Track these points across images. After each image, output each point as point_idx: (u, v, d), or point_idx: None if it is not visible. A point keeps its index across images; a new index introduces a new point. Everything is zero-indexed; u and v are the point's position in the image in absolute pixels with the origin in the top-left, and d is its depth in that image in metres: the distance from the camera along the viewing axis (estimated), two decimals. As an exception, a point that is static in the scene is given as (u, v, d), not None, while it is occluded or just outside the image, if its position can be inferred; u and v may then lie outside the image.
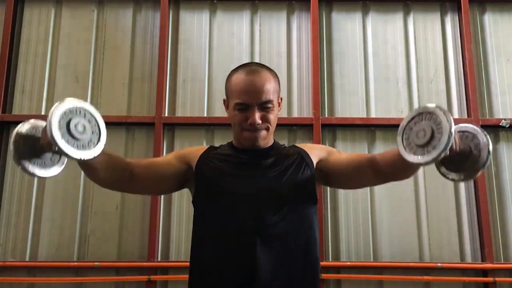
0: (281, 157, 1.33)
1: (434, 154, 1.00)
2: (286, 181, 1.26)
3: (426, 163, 1.03)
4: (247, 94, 1.25)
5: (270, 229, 1.20)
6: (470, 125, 1.16)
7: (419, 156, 1.03)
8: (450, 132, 0.98)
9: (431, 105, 1.04)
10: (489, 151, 1.09)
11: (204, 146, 1.41)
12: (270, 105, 1.27)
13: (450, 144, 0.98)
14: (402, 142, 1.10)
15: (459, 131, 1.15)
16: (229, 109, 1.33)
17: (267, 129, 1.29)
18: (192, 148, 1.41)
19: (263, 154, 1.34)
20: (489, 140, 1.11)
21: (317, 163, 1.34)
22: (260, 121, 1.26)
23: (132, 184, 1.30)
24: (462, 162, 1.13)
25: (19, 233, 2.89)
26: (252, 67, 1.32)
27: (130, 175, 1.26)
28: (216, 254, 1.22)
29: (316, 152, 1.37)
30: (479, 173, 1.12)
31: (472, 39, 3.18)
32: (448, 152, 1.00)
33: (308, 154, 1.34)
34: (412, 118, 1.09)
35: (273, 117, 1.29)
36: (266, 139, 1.32)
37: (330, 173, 1.34)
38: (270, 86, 1.28)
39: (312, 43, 3.14)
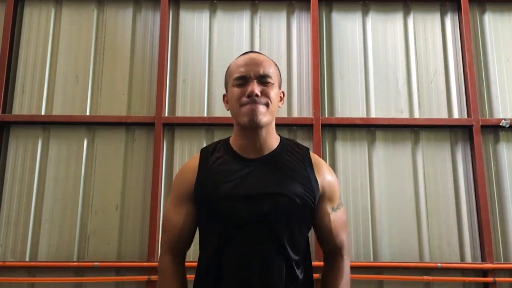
0: (284, 168, 1.26)
1: None
2: (287, 201, 1.21)
3: None
4: (246, 66, 1.24)
5: (271, 248, 1.19)
6: None
7: None
8: None
9: None
10: None
11: (195, 160, 1.32)
12: (269, 80, 1.24)
13: None
14: None
15: None
16: (228, 99, 1.29)
17: (267, 105, 1.22)
18: (184, 173, 1.32)
19: (265, 162, 1.27)
20: None
21: (320, 193, 1.30)
22: (259, 92, 1.20)
23: (186, 253, 1.39)
24: None
25: (19, 233, 2.89)
26: (251, 51, 1.33)
27: (184, 255, 1.36)
28: (222, 273, 1.22)
29: (325, 182, 1.31)
30: None
31: (472, 39, 3.18)
32: None
33: (317, 180, 1.28)
34: None
35: (273, 94, 1.24)
36: (266, 117, 1.22)
37: (315, 213, 1.31)
38: (269, 64, 1.27)
39: (312, 43, 3.14)
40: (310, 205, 1.25)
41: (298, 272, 1.23)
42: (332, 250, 1.35)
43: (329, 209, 1.31)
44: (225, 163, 1.27)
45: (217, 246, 1.22)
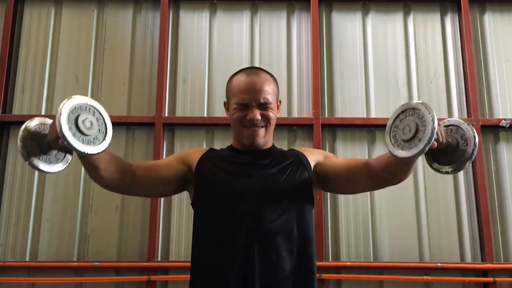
0: (279, 158, 1.37)
1: (420, 146, 1.05)
2: (284, 181, 1.29)
3: (414, 156, 1.07)
4: (247, 93, 1.31)
5: (269, 228, 1.22)
6: (455, 119, 1.23)
7: (407, 151, 1.08)
8: (434, 124, 1.03)
9: (414, 101, 1.10)
10: (475, 143, 1.15)
11: (204, 148, 1.44)
12: (269, 106, 1.33)
13: (434, 136, 1.03)
14: (390, 140, 1.14)
15: (444, 126, 1.21)
16: (229, 110, 1.37)
17: (266, 127, 1.34)
18: (193, 149, 1.44)
19: (262, 154, 1.37)
20: (475, 131, 1.17)
21: (315, 166, 1.37)
22: (259, 117, 1.30)
23: (133, 187, 1.32)
24: (451, 155, 1.19)
25: (19, 233, 2.89)
26: (252, 69, 1.40)
27: (132, 177, 1.28)
28: (216, 253, 1.23)
29: (314, 156, 1.41)
30: (468, 164, 1.18)
31: (472, 39, 3.18)
32: (435, 144, 1.06)
33: (306, 156, 1.38)
34: (397, 116, 1.14)
35: (272, 115, 1.34)
36: (265, 137, 1.35)
37: (327, 176, 1.37)
38: (269, 88, 1.34)
39: (312, 43, 3.14)
40: (307, 175, 1.33)
41: (295, 246, 1.25)
42: (365, 167, 1.31)
43: (334, 159, 1.42)
44: (227, 155, 1.39)
45: (214, 220, 1.25)
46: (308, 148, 1.50)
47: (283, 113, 3.06)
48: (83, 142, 1.05)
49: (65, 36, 3.20)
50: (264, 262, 1.20)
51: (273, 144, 1.44)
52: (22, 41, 3.18)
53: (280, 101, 1.43)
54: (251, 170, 1.31)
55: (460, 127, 1.20)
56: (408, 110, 1.10)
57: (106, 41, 3.20)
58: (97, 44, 3.20)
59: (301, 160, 1.36)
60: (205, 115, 3.08)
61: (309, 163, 1.36)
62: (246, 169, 1.32)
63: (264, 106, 1.31)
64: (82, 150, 1.04)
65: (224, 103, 1.44)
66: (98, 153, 1.08)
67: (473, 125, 1.19)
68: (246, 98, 1.30)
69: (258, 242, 1.20)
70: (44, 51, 3.17)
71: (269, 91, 1.33)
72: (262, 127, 1.33)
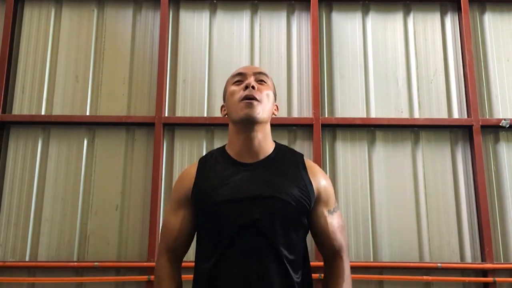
0: (281, 172, 1.28)
1: None
2: (283, 207, 1.22)
3: None
4: (243, 68, 1.35)
5: (267, 252, 1.20)
6: None
7: None
8: None
9: None
10: None
11: (194, 167, 1.36)
12: (264, 79, 1.32)
13: None
14: None
15: None
16: (226, 96, 1.34)
17: (261, 101, 1.27)
18: (181, 178, 1.36)
19: (261, 166, 1.29)
20: None
21: (315, 197, 1.30)
22: (255, 84, 1.27)
23: (182, 259, 1.37)
24: None
25: (19, 233, 2.89)
26: None
27: (180, 261, 1.35)
28: (218, 275, 1.22)
29: (319, 185, 1.31)
30: None
31: (472, 39, 3.18)
32: None
33: (311, 181, 1.29)
34: None
35: (267, 92, 1.30)
36: (261, 113, 1.26)
37: (309, 219, 1.31)
38: (265, 74, 1.35)
39: (312, 43, 3.14)
40: (305, 207, 1.26)
41: (295, 276, 1.23)
42: (331, 253, 1.33)
43: (325, 212, 1.31)
44: (221, 169, 1.30)
45: (214, 250, 1.22)
46: (318, 170, 1.35)
47: (283, 113, 3.06)
48: None
49: (65, 35, 3.20)
50: (262, 280, 1.18)
51: (275, 145, 1.35)
52: (22, 41, 3.19)
53: (277, 106, 1.40)
54: (248, 191, 1.22)
55: None
56: None
57: (106, 41, 3.20)
58: (97, 44, 3.20)
59: (305, 182, 1.28)
60: (205, 115, 3.08)
61: (313, 190, 1.28)
62: (243, 191, 1.23)
63: (260, 78, 1.31)
64: None
65: (222, 106, 1.40)
66: None
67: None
68: (243, 70, 1.33)
69: (255, 270, 1.18)
70: (44, 51, 3.17)
71: (265, 74, 1.34)
72: (257, 101, 1.25)
